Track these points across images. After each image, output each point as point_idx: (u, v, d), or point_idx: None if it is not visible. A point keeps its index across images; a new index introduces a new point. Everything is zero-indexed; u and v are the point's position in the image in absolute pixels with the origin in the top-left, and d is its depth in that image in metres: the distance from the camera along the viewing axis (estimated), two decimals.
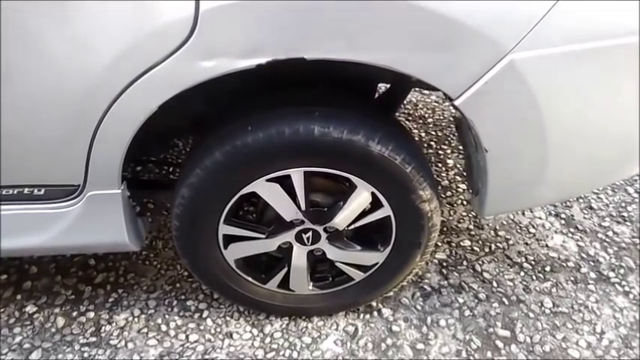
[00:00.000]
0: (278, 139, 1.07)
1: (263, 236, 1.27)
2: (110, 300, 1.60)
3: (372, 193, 1.19)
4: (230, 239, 1.27)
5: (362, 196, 1.19)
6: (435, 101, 2.72)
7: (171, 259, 1.73)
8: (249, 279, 1.36)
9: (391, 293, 1.55)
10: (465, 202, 2.00)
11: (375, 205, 1.22)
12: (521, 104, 1.02)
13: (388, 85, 1.53)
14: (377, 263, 1.34)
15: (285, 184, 1.16)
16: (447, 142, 2.37)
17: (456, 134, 1.25)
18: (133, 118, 1.00)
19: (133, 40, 0.91)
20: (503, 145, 1.09)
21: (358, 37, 0.92)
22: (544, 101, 1.01)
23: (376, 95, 1.52)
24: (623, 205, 2.03)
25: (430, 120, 2.55)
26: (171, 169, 2.12)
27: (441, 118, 2.57)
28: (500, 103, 1.02)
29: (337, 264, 1.35)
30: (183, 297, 1.60)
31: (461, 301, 1.60)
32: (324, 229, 1.26)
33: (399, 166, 1.13)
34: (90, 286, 1.64)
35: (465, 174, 1.33)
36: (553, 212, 1.97)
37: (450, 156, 2.27)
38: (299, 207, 1.20)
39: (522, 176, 1.14)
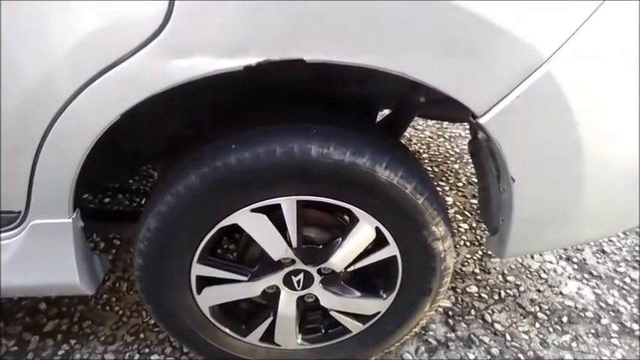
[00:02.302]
0: (267, 160, 0.89)
1: (245, 279, 1.06)
2: (60, 353, 1.34)
3: (377, 229, 1.00)
4: (205, 282, 1.06)
5: (364, 231, 1.01)
6: (430, 136, 2.60)
7: (137, 305, 1.49)
8: (227, 330, 1.14)
9: (392, 348, 1.33)
10: (468, 243, 1.82)
11: (380, 242, 1.03)
12: (557, 124, 0.86)
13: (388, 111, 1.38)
14: (378, 313, 1.14)
15: (274, 215, 0.97)
16: (444, 179, 2.22)
17: (473, 164, 1.07)
18: (88, 129, 0.81)
19: (88, 32, 0.73)
20: (533, 173, 0.92)
21: (368, 36, 0.76)
22: (583, 121, 0.86)
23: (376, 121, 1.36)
24: (637, 249, 1.87)
25: (425, 155, 2.41)
26: (144, 201, 1.91)
27: (437, 153, 2.44)
28: (533, 121, 0.86)
29: (332, 313, 1.14)
30: (147, 350, 1.36)
31: (472, 357, 1.39)
32: (318, 271, 1.06)
33: (410, 197, 0.95)
34: (37, 336, 1.39)
35: (479, 210, 1.14)
36: (564, 256, 1.80)
37: (448, 193, 2.11)
38: (289, 243, 1.01)
39: (555, 210, 0.97)
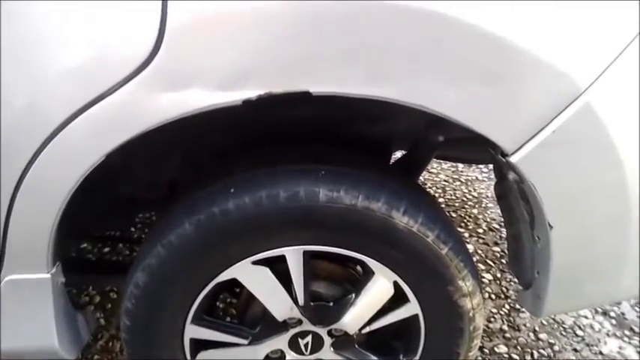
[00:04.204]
0: (270, 205, 0.79)
1: (245, 342, 0.94)
2: None
3: (395, 283, 0.88)
4: (200, 345, 0.94)
5: (381, 286, 0.88)
6: (445, 180, 2.49)
7: None
8: None
9: None
10: (493, 296, 1.67)
11: (399, 299, 0.91)
12: (599, 162, 0.76)
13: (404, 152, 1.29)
14: None
15: (278, 268, 0.86)
16: (463, 225, 2.09)
17: (501, 209, 0.96)
18: (68, 172, 0.72)
19: (66, 64, 0.66)
20: (574, 218, 0.80)
21: (382, 64, 0.67)
22: (629, 158, 0.75)
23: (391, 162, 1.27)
24: None
25: (442, 200, 2.29)
26: None
27: (453, 198, 2.32)
28: (572, 159, 0.75)
29: None
30: None
31: None
32: (329, 333, 0.93)
33: (432, 246, 0.84)
34: None
35: (508, 260, 1.02)
36: (600, 310, 1.64)
37: (468, 240, 1.98)
38: (295, 301, 0.89)
39: (600, 260, 0.85)
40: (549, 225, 0.80)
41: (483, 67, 0.68)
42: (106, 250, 1.86)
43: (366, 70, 0.67)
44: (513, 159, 0.74)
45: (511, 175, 0.81)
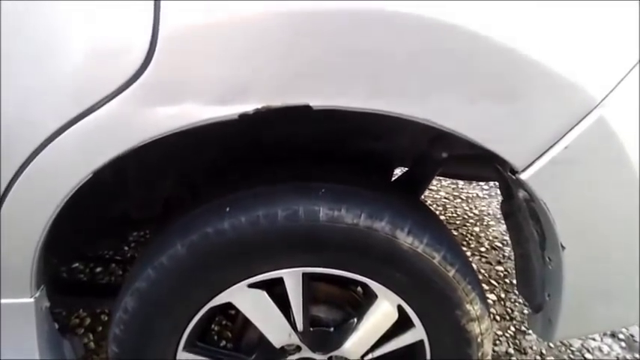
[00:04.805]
0: (267, 225, 0.75)
1: None
2: None
3: (399, 307, 0.84)
4: None
5: (384, 310, 0.84)
6: (445, 197, 2.45)
7: None
8: None
9: None
10: (497, 318, 1.61)
11: (403, 324, 0.86)
12: (614, 179, 0.72)
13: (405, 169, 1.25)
14: None
15: (275, 291, 0.82)
16: (465, 243, 2.04)
17: (507, 228, 0.92)
18: (52, 191, 0.68)
19: (51, 75, 0.62)
20: (588, 239, 0.76)
21: (388, 76, 0.64)
22: None
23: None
24: None
25: (442, 218, 2.25)
26: None
27: (454, 215, 2.28)
28: (586, 176, 0.71)
29: None
30: None
31: None
32: None
33: (438, 268, 0.79)
34: None
35: (517, 282, 0.98)
36: (608, 332, 1.58)
37: (471, 259, 1.93)
38: (294, 326, 0.84)
39: (616, 283, 0.80)
40: (562, 246, 0.76)
41: (494, 80, 0.65)
42: (98, 270, 1.80)
43: (371, 83, 0.63)
44: (523, 176, 0.71)
45: (521, 193, 0.77)
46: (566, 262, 0.77)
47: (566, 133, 0.68)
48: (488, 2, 0.62)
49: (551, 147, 0.69)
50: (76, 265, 1.78)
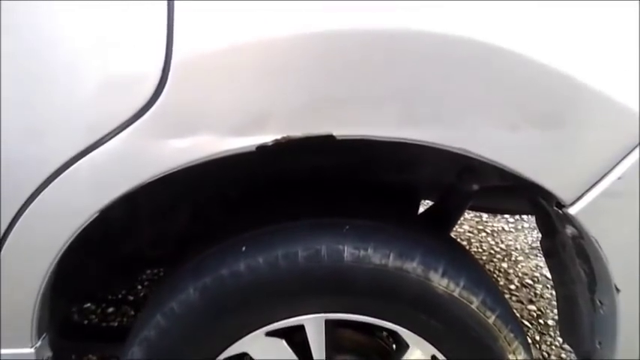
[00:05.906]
0: (287, 266, 0.68)
1: None
2: None
3: (433, 358, 0.75)
4: None
5: None
6: (469, 231, 2.36)
7: None
8: None
9: None
10: None
11: None
12: None
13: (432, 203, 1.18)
14: None
15: (296, 339, 0.74)
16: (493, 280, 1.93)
17: (549, 267, 0.84)
18: (55, 232, 0.63)
19: (55, 107, 0.58)
20: None
21: (420, 103, 0.58)
22: None
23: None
24: None
25: None
26: None
27: (480, 250, 2.18)
28: None
29: None
30: None
31: None
32: None
33: (477, 314, 0.71)
34: None
35: (559, 326, 0.89)
36: None
37: None
38: None
39: None
40: (616, 288, 0.68)
41: (538, 105, 0.59)
42: (110, 310, 1.74)
43: (401, 110, 0.58)
44: (572, 210, 0.63)
45: (568, 230, 0.69)
46: (621, 307, 0.69)
47: (620, 162, 0.61)
48: (531, 22, 0.57)
49: (603, 178, 0.62)
50: (88, 305, 1.73)
